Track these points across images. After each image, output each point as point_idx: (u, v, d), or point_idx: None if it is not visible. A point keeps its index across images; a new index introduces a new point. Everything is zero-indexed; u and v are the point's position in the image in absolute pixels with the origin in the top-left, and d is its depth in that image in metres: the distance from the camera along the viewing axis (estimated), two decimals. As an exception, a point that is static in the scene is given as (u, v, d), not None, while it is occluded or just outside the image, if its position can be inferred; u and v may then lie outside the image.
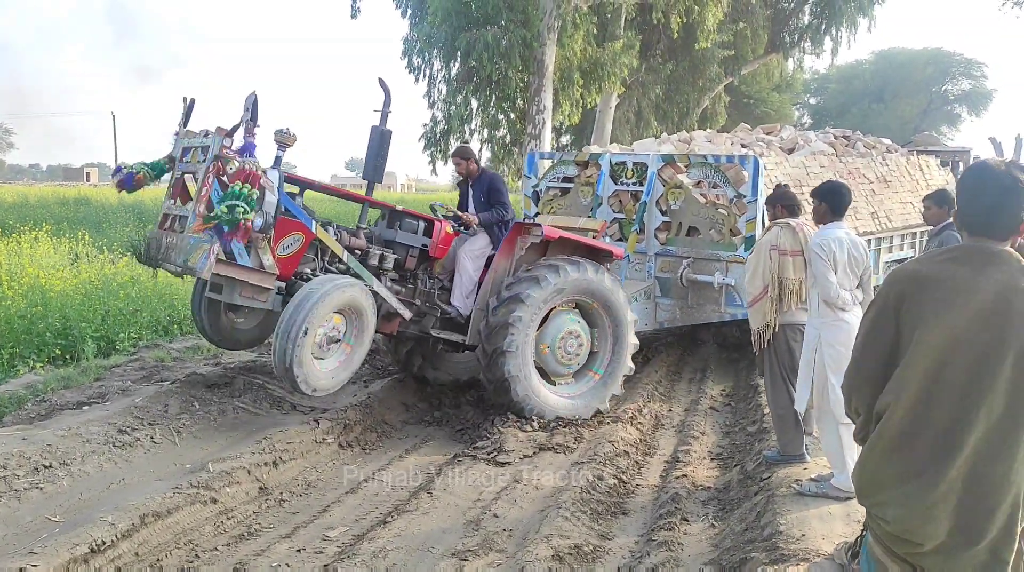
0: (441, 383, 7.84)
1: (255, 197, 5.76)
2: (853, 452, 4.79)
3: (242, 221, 5.69)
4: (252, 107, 5.95)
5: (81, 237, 15.28)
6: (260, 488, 5.27)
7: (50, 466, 4.93)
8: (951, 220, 6.50)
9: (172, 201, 6.32)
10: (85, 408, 6.23)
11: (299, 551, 4.44)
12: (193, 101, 6.54)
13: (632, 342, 7.24)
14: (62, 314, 8.70)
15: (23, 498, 4.60)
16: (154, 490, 4.79)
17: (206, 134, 6.07)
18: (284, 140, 6.21)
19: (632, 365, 7.33)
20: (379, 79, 6.76)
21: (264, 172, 5.96)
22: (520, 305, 6.58)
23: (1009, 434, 2.29)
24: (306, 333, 5.65)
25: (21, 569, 3.74)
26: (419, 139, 19.67)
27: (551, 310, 6.85)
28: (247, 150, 5.89)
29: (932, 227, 6.67)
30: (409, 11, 19.47)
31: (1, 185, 42.54)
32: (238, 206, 5.67)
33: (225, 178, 5.72)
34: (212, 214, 5.67)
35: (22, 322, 8.38)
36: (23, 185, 45.97)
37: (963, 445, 2.31)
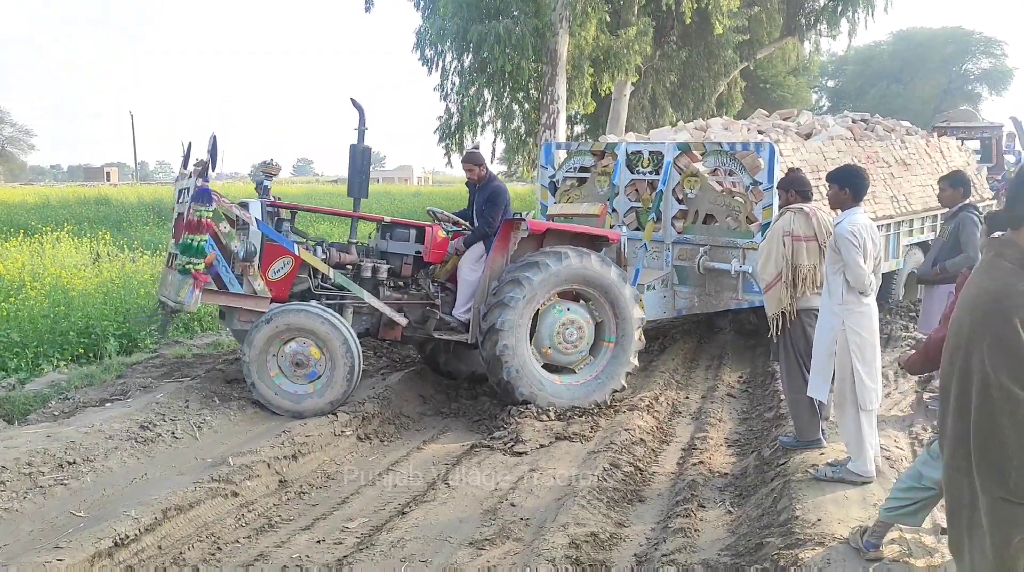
0: (467, 377, 7.91)
1: (203, 244, 6.23)
2: (872, 438, 4.79)
3: (193, 271, 6.21)
4: (212, 149, 6.38)
5: (102, 237, 15.45)
6: (280, 481, 5.34)
7: (74, 462, 5.02)
8: (967, 201, 6.46)
9: (173, 240, 6.74)
10: (108, 405, 6.34)
11: (319, 542, 4.50)
12: (190, 144, 6.86)
13: (630, 294, 7.16)
14: (84, 313, 8.82)
15: (48, 494, 4.69)
16: (176, 484, 4.88)
17: (190, 175, 6.49)
18: (269, 170, 6.84)
19: (643, 314, 7.33)
20: (352, 99, 6.94)
21: (247, 206, 6.58)
22: (505, 309, 6.66)
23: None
24: (268, 322, 6.28)
25: (47, 563, 3.82)
26: (434, 132, 19.72)
27: (537, 313, 6.88)
28: (202, 196, 6.21)
29: (948, 209, 6.62)
30: (421, 3, 19.46)
31: (23, 187, 43.02)
32: (189, 263, 6.19)
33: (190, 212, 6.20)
34: (179, 268, 6.24)
35: (46, 322, 8.51)
36: (44, 186, 46.46)
37: None
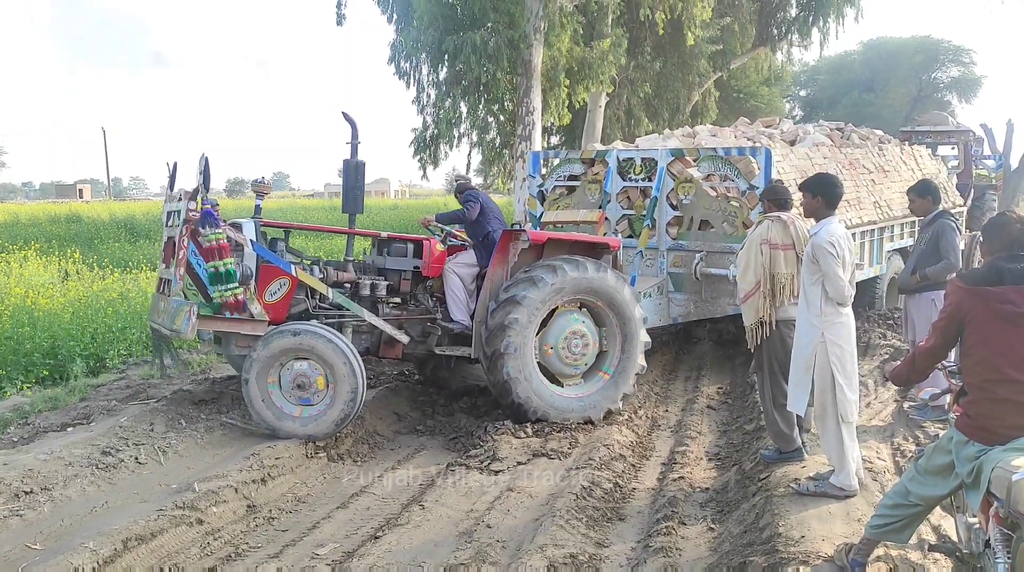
0: (449, 387, 7.79)
1: (232, 269, 6.01)
2: (853, 450, 4.69)
3: (233, 297, 6.00)
4: (204, 171, 6.16)
5: (71, 254, 15.18)
6: (248, 506, 5.15)
7: (31, 492, 4.82)
8: (940, 209, 6.44)
9: (164, 265, 6.53)
10: (69, 430, 6.13)
11: (288, 570, 4.33)
12: (176, 164, 6.65)
13: (643, 340, 7.07)
14: (50, 333, 8.59)
15: (2, 526, 4.49)
16: (138, 513, 4.68)
17: (179, 198, 6.26)
18: (261, 189, 6.66)
19: (644, 363, 7.17)
20: (343, 113, 6.78)
21: (239, 227, 6.32)
22: (517, 307, 6.51)
23: None
24: (295, 335, 6.09)
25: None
26: (409, 145, 19.53)
27: (555, 310, 6.77)
28: (208, 220, 6.01)
29: (922, 218, 6.59)
30: (395, 15, 19.32)
31: (-7, 205, 42.35)
32: (228, 290, 5.97)
33: (200, 239, 5.99)
34: (215, 301, 6.02)
35: (9, 343, 8.28)
36: (15, 204, 45.81)
37: None
